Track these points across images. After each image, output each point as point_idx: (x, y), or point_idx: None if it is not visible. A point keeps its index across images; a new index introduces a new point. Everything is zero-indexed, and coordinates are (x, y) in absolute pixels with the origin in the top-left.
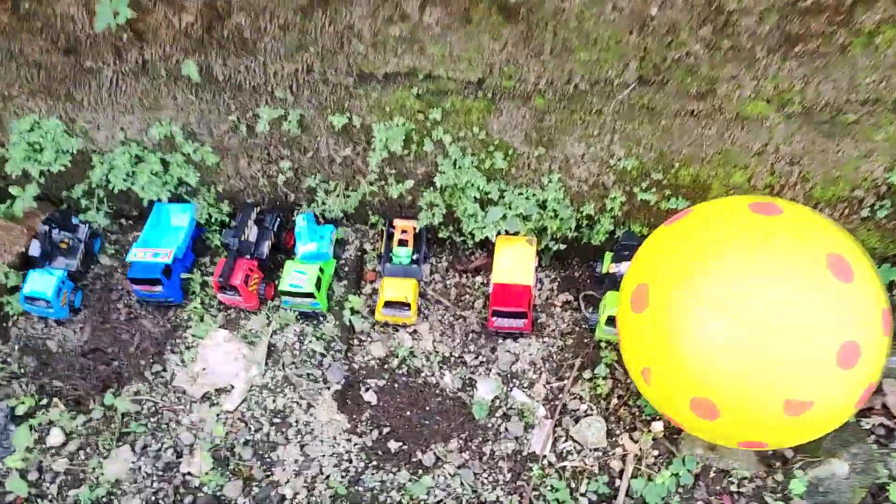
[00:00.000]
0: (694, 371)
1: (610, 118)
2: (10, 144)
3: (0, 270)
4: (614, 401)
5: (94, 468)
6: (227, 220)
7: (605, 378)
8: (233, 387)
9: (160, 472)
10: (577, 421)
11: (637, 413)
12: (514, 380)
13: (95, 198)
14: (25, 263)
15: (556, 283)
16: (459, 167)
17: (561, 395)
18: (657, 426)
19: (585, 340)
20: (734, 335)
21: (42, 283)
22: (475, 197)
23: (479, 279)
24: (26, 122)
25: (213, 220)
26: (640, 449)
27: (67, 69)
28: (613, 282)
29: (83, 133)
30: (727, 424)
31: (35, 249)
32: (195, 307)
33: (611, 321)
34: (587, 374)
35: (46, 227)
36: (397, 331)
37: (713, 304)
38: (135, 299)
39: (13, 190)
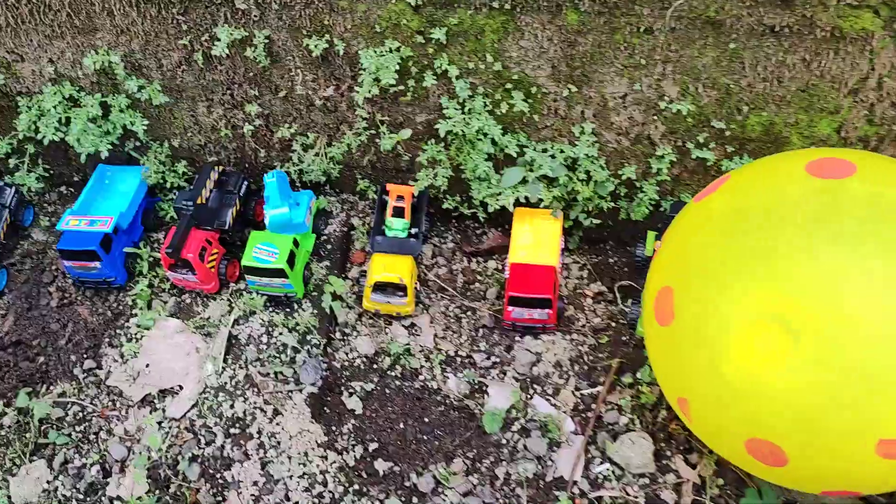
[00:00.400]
0: (747, 407)
1: (662, 39)
2: None
3: None
4: (663, 413)
5: None
6: (187, 186)
7: (650, 384)
8: (181, 388)
9: (81, 496)
10: (615, 437)
11: None
12: (536, 385)
13: (26, 156)
14: None
15: (587, 271)
16: (469, 111)
17: (595, 406)
18: None
19: (624, 338)
20: (803, 357)
21: None
22: (488, 154)
23: (492, 263)
24: None
25: (168, 185)
26: (701, 476)
27: None
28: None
29: (4, 67)
30: (799, 471)
31: None
32: (141, 291)
33: None
34: (627, 380)
35: None
36: (390, 323)
37: (768, 315)
38: (70, 282)
39: None
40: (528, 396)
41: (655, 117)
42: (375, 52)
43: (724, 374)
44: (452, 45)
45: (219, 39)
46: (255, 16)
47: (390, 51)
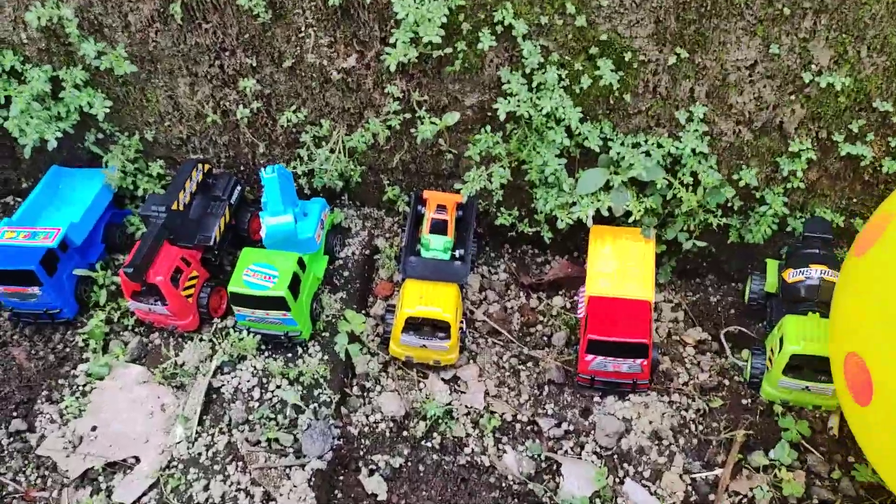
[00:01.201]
0: None
1: None
2: None
3: None
4: None
5: None
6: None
7: (791, 468)
8: (137, 460)
9: None
10: None
11: None
12: (626, 465)
13: None
14: None
15: (682, 312)
16: (538, 86)
17: (714, 497)
18: None
19: (744, 402)
20: None
21: None
22: (562, 146)
23: (557, 300)
24: None
25: (139, 192)
26: None
27: None
28: (793, 298)
29: None
30: None
31: None
32: (95, 327)
33: (793, 368)
34: (759, 460)
35: None
36: (425, 376)
37: None
38: (5, 316)
39: None
40: (618, 480)
41: (793, 96)
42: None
43: None
44: None
45: None
46: None
47: None
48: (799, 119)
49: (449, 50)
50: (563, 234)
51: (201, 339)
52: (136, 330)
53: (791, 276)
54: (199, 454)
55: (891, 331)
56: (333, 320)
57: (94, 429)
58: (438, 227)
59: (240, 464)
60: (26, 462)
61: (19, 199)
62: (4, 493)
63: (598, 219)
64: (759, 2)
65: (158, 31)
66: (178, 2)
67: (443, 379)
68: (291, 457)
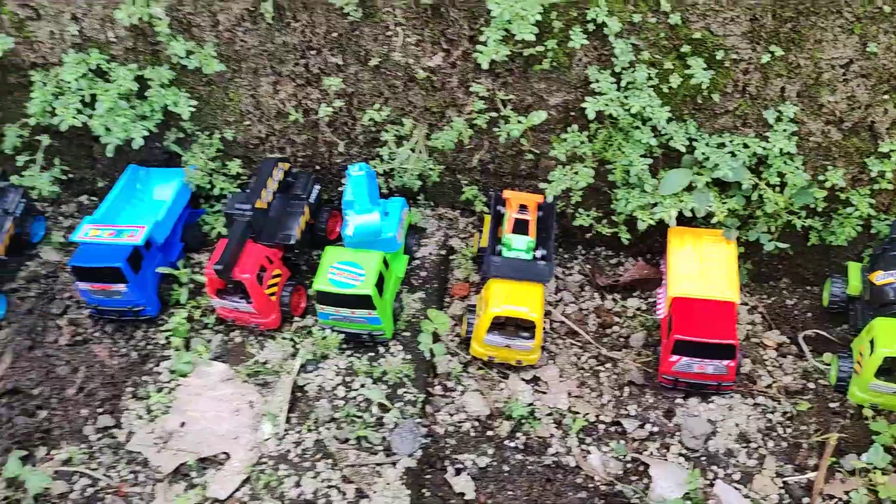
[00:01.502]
0: None
1: None
2: None
3: None
4: None
5: None
6: (240, 191)
7: (886, 472)
8: (228, 456)
9: None
10: None
11: None
12: (716, 466)
13: (40, 151)
14: None
15: (758, 315)
16: (628, 85)
17: (808, 501)
18: None
19: (832, 405)
20: None
21: None
22: (647, 147)
23: (633, 302)
24: None
25: (216, 191)
26: None
27: None
28: (882, 301)
29: (16, 26)
30: None
31: None
32: (178, 325)
33: (885, 371)
34: (854, 463)
35: None
36: (506, 377)
37: None
38: (86, 314)
39: None
40: (708, 483)
41: (887, 96)
42: None
43: None
44: None
45: None
46: None
47: None
48: (892, 119)
49: (540, 48)
50: (639, 236)
51: (283, 338)
52: (218, 328)
53: (880, 278)
54: (288, 451)
55: None
56: (414, 320)
57: (182, 425)
58: (521, 227)
59: (329, 461)
60: (117, 457)
61: (93, 198)
62: (97, 487)
63: (680, 220)
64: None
65: (247, 31)
66: (270, 0)
67: (523, 379)
68: (381, 455)
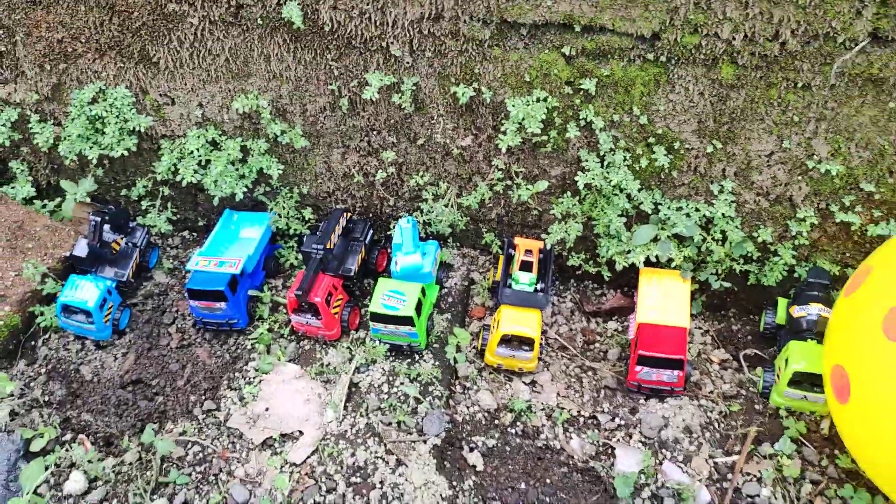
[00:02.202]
0: None
1: (820, 96)
2: (67, 120)
3: (36, 271)
4: (807, 487)
5: None
6: (309, 233)
7: (791, 457)
8: (302, 433)
9: None
10: None
11: None
12: (665, 450)
13: (159, 198)
14: (69, 270)
15: (710, 337)
16: (608, 164)
17: (731, 476)
18: None
19: (757, 407)
20: None
21: (85, 290)
22: (623, 209)
23: (611, 325)
24: (89, 92)
25: (291, 231)
26: None
27: (146, 14)
28: (797, 328)
29: (155, 109)
30: None
31: (81, 248)
32: (262, 334)
33: (795, 382)
34: (767, 450)
35: (98, 220)
36: (511, 380)
37: None
38: (190, 324)
39: (65, 185)
40: (658, 462)
41: (800, 177)
42: (523, 100)
43: None
44: (600, 96)
45: (369, 84)
46: (406, 62)
47: (538, 100)
48: (804, 194)
49: (544, 137)
50: (619, 274)
51: (342, 346)
52: (291, 338)
53: (796, 311)
54: (346, 431)
55: (863, 348)
56: (441, 335)
57: (266, 409)
58: (526, 266)
59: (376, 438)
60: (219, 431)
61: (194, 233)
62: (206, 452)
63: (647, 263)
64: (776, 112)
65: (327, 117)
66: (346, 97)
67: (524, 382)
68: (415, 434)
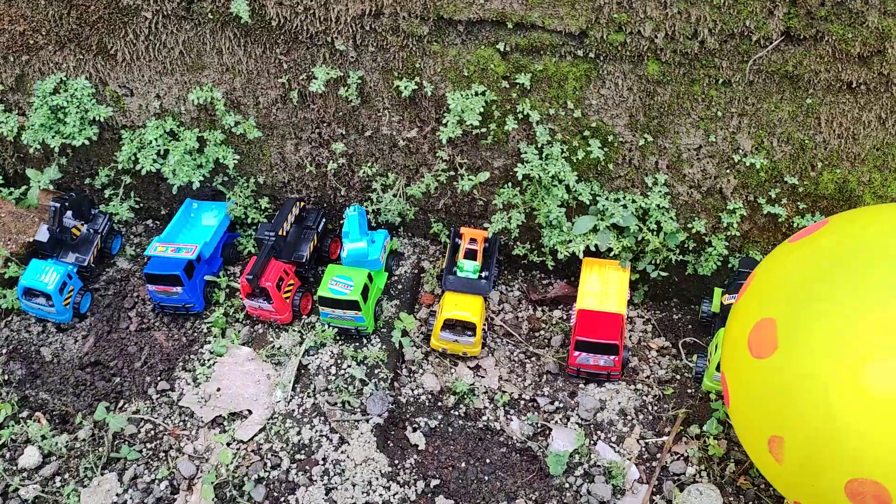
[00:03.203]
0: (855, 442)
1: (740, 92)
2: (31, 110)
3: None
4: (731, 466)
5: (69, 497)
6: (266, 221)
7: (717, 437)
8: (250, 412)
9: None
10: (682, 488)
11: (763, 486)
12: (599, 431)
13: (121, 187)
14: (33, 255)
15: (651, 326)
16: (547, 156)
17: (660, 455)
18: None
19: (689, 391)
20: None
21: (45, 274)
22: (562, 200)
23: (557, 313)
24: (51, 83)
25: (248, 219)
26: None
27: (101, 8)
28: (727, 316)
29: (115, 100)
30: None
31: (42, 234)
32: (217, 318)
33: None
34: (694, 431)
35: (57, 205)
36: (456, 364)
37: (885, 347)
38: (150, 308)
39: (30, 173)
40: (592, 442)
41: (728, 171)
42: (462, 94)
43: (831, 407)
44: (535, 90)
45: (316, 78)
46: (351, 57)
47: (476, 94)
48: (733, 187)
49: (484, 130)
50: (563, 263)
51: (294, 330)
52: (245, 322)
53: (727, 300)
54: (293, 410)
55: (807, 297)
56: (390, 320)
57: (218, 390)
58: (470, 255)
59: (322, 418)
60: (171, 410)
61: (157, 222)
62: (157, 430)
63: (588, 253)
64: (701, 107)
65: (279, 109)
66: (296, 90)
67: (468, 366)
68: (359, 414)
